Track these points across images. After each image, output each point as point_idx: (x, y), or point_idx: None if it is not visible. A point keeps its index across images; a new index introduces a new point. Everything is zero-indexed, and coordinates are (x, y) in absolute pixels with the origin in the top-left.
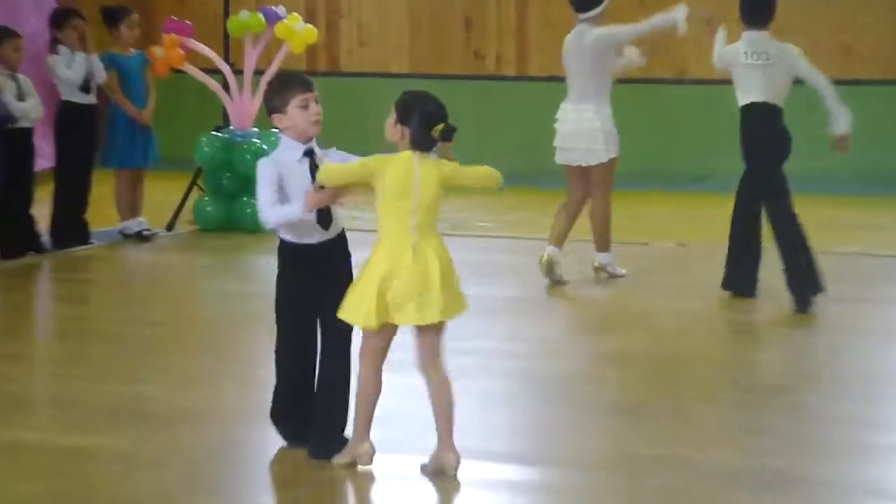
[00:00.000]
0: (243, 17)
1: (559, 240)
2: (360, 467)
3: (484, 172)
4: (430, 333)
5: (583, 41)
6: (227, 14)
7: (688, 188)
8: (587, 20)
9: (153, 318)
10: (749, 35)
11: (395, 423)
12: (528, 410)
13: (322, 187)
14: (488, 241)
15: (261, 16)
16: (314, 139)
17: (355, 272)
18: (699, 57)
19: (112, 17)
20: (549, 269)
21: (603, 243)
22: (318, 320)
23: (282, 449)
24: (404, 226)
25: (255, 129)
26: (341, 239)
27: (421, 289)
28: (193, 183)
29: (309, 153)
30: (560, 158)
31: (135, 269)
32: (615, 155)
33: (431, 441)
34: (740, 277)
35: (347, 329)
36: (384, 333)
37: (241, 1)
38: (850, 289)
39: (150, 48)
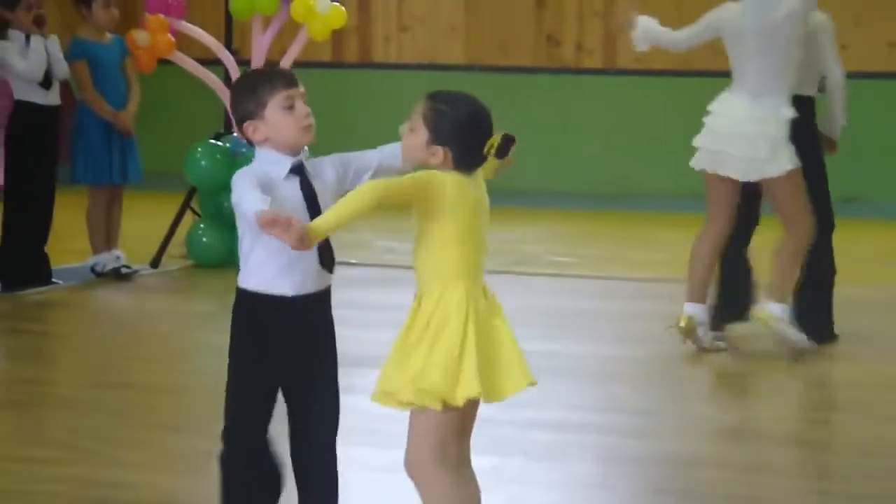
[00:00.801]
0: None
1: (702, 293)
2: None
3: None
4: (475, 410)
5: (773, 14)
6: None
7: None
8: None
9: (131, 381)
10: None
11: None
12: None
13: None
14: (562, 281)
15: None
16: (305, 150)
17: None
18: None
19: None
20: (691, 333)
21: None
22: (290, 411)
23: None
24: (478, 257)
25: None
26: (326, 295)
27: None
28: (186, 206)
29: (298, 169)
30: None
31: (108, 318)
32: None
33: None
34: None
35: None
36: (470, 411)
37: None
38: None
39: (131, 33)
